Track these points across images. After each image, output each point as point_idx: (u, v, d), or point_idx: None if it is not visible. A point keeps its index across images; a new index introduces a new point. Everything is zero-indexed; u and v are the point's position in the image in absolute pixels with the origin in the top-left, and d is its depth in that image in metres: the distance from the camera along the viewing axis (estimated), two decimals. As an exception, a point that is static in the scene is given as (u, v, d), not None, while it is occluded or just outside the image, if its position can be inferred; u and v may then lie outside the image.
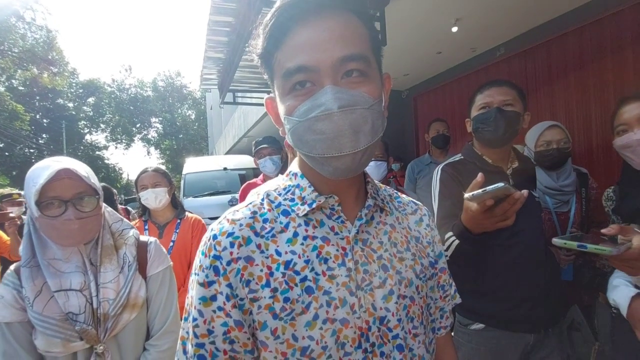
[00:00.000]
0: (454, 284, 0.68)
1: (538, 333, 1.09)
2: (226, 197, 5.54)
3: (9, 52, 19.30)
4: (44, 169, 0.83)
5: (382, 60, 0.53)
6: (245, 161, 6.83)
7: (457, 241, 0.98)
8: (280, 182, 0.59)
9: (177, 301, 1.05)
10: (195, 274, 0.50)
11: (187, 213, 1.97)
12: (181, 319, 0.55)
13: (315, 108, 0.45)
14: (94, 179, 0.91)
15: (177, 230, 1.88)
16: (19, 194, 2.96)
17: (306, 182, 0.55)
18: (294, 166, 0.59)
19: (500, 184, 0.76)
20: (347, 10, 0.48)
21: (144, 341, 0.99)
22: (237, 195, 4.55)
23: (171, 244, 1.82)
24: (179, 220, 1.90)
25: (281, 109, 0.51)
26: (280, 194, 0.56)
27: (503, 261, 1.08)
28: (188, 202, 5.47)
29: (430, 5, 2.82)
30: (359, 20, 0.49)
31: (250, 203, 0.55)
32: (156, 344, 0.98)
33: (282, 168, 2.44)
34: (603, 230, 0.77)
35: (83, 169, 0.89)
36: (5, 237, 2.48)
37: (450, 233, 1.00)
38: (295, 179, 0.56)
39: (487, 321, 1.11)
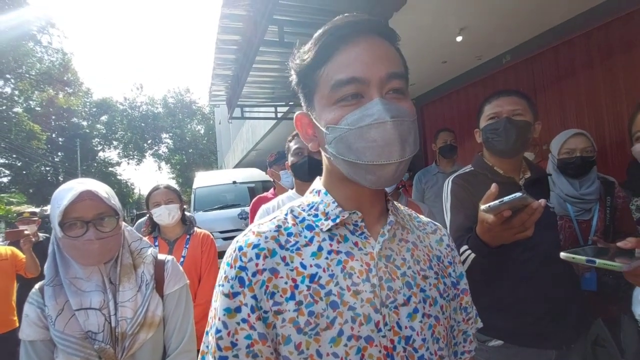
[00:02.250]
0: (474, 307, 0.66)
1: (559, 349, 1.06)
2: (236, 211, 5.57)
3: (27, 75, 20.19)
4: (67, 191, 0.86)
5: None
6: (254, 174, 6.89)
7: (473, 254, 0.96)
8: (303, 199, 0.60)
9: (193, 320, 1.06)
10: (220, 285, 0.50)
11: (195, 228, 1.99)
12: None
13: (366, 117, 0.48)
14: (114, 200, 0.94)
15: (187, 246, 1.89)
16: (31, 213, 3.01)
17: (330, 198, 0.56)
18: (317, 184, 0.60)
19: (518, 194, 0.75)
20: (387, 39, 0.53)
21: (161, 360, 0.99)
22: (247, 209, 4.58)
23: (182, 259, 1.84)
24: (188, 236, 1.92)
25: (323, 119, 0.52)
26: (304, 210, 0.57)
27: (520, 275, 1.06)
28: (199, 216, 5.52)
29: (434, 16, 2.86)
30: (394, 48, 0.54)
31: (275, 217, 0.56)
32: (172, 363, 0.98)
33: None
34: (619, 244, 0.74)
35: (104, 190, 0.92)
36: (21, 255, 2.51)
37: (466, 246, 0.99)
38: (319, 195, 0.57)
39: (506, 337, 1.08)
